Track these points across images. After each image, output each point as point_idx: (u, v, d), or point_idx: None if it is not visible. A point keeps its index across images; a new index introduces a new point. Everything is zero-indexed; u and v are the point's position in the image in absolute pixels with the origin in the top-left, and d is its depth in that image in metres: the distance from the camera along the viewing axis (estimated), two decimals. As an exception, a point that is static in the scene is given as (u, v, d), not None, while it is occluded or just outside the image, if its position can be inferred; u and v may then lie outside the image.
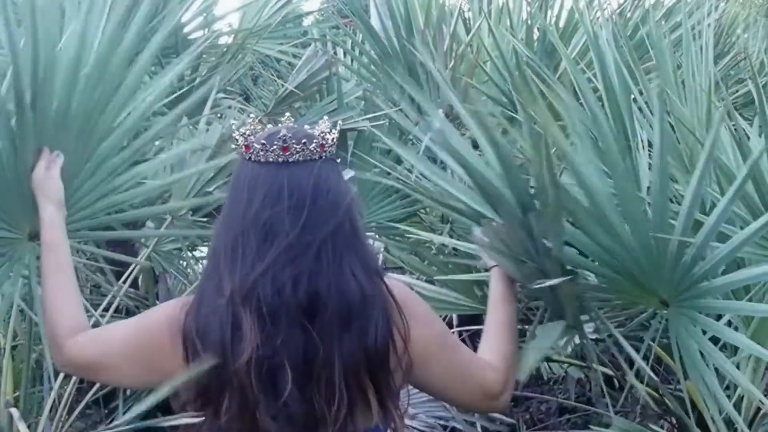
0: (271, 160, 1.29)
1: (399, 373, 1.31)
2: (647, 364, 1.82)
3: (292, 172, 1.28)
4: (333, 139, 1.33)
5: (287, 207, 1.26)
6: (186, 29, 3.25)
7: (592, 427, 2.00)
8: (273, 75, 4.06)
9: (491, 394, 1.41)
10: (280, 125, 1.35)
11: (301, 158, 1.29)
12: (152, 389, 1.34)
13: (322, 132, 1.32)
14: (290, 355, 1.23)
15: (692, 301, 1.59)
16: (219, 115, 3.25)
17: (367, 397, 1.28)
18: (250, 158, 1.31)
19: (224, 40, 3.42)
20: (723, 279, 1.58)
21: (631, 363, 2.52)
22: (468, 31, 3.41)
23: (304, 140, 1.29)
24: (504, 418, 2.70)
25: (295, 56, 3.62)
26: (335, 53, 3.56)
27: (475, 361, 1.42)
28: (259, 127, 1.34)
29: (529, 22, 3.09)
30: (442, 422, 2.64)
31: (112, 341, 1.39)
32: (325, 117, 1.40)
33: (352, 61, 3.71)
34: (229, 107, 3.34)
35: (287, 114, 1.40)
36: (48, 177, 1.62)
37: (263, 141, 1.30)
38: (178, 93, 2.58)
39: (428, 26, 3.17)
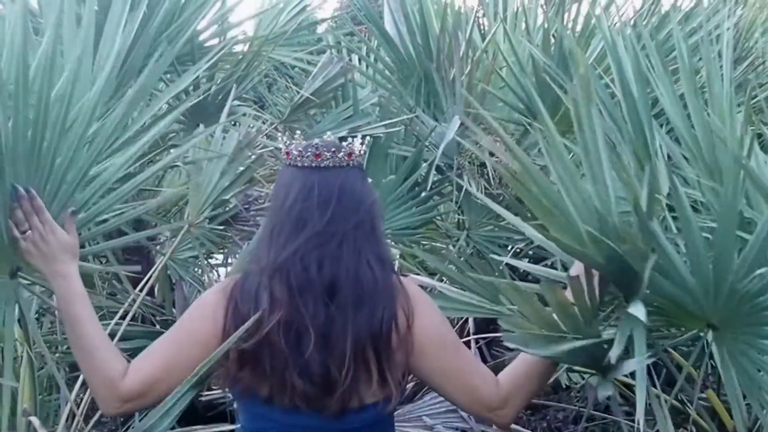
0: (306, 164, 1.54)
1: (401, 353, 1.51)
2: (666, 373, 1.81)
3: (323, 176, 1.52)
4: (360, 150, 1.57)
5: (317, 203, 1.49)
6: (201, 37, 3.25)
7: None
8: (288, 82, 4.06)
9: (487, 405, 1.56)
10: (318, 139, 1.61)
11: (330, 164, 1.53)
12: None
13: (350, 144, 1.56)
14: (314, 324, 1.46)
15: (756, 328, 1.59)
16: (233, 122, 3.25)
17: (370, 368, 1.49)
18: (289, 163, 1.56)
19: (239, 47, 3.42)
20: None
21: (648, 371, 2.48)
22: (483, 37, 3.40)
23: (333, 149, 1.54)
24: (521, 429, 2.68)
25: (309, 63, 3.62)
26: (350, 60, 3.56)
27: (475, 368, 1.58)
28: (302, 139, 1.59)
29: (546, 25, 3.08)
30: (459, 433, 2.61)
31: (165, 343, 1.54)
32: (360, 135, 1.65)
33: (367, 67, 3.71)
34: (244, 114, 3.33)
35: (328, 132, 1.71)
36: (72, 237, 1.62)
37: (300, 149, 1.54)
38: (195, 101, 2.58)
39: (444, 32, 3.16)
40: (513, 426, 2.69)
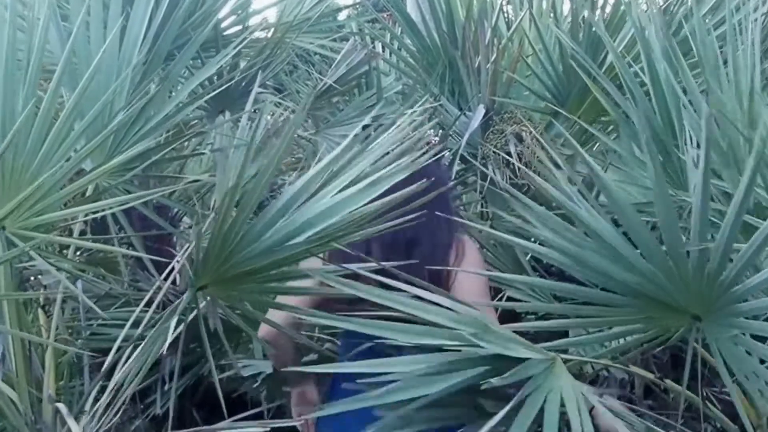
0: None
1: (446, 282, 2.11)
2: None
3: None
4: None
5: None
6: (223, 24, 3.22)
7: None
8: (309, 69, 4.03)
9: None
10: None
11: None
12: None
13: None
14: (400, 268, 1.88)
15: (732, 307, 1.61)
16: (253, 109, 3.22)
17: None
18: None
19: (261, 34, 3.40)
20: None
21: (674, 364, 2.45)
22: (509, 24, 3.36)
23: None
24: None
25: (332, 50, 3.59)
26: (374, 47, 3.52)
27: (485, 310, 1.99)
28: None
29: (575, 9, 3.03)
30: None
31: None
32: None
33: (390, 54, 3.67)
34: (263, 101, 3.31)
35: (431, 131, 2.01)
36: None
37: None
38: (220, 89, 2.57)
39: (469, 19, 3.12)
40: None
